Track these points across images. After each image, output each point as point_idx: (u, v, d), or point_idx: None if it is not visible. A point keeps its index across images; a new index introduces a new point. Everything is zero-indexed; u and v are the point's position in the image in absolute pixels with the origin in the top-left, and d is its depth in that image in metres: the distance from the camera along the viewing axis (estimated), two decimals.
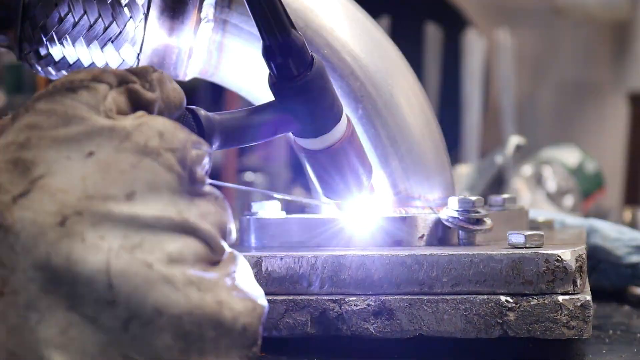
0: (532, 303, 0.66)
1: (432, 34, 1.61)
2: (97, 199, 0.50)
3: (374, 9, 0.83)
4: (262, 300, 0.54)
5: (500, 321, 0.66)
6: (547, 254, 0.66)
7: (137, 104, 0.55)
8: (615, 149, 2.01)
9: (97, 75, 0.53)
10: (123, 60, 0.72)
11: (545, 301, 0.66)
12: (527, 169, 1.46)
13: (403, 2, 2.03)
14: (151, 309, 0.49)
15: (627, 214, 1.38)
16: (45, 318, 0.48)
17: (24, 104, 0.54)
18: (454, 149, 1.90)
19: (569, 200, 1.43)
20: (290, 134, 0.68)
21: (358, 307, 0.67)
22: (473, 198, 0.72)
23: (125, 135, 0.52)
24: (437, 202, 0.77)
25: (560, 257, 0.66)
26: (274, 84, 0.65)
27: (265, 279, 0.68)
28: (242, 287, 0.53)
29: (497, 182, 1.59)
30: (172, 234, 0.51)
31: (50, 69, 0.73)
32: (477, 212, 0.72)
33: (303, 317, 0.67)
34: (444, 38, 1.64)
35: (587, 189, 1.45)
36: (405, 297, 0.67)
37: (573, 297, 0.65)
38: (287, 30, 0.63)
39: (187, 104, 0.60)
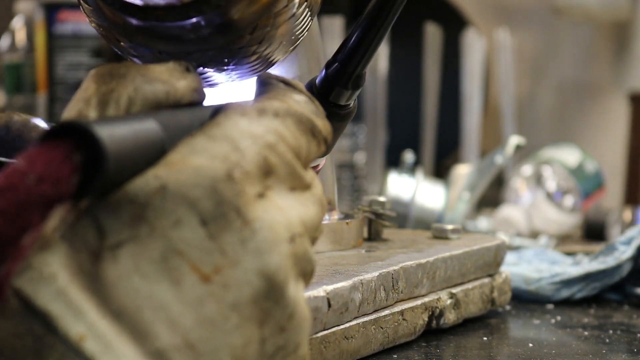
0: None
1: (432, 33, 1.61)
2: (308, 234, 0.48)
3: None
4: None
5: None
6: None
7: None
8: (615, 149, 2.01)
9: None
10: None
11: None
12: (527, 169, 1.46)
13: None
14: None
15: (627, 214, 1.38)
16: (242, 326, 0.44)
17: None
18: (453, 149, 1.89)
19: (569, 200, 1.43)
20: None
21: None
22: None
23: None
24: None
25: None
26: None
27: None
28: None
29: (497, 182, 1.59)
30: None
31: None
32: None
33: None
34: (443, 38, 1.64)
35: (587, 189, 1.45)
36: None
37: None
38: (366, 66, 0.68)
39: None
